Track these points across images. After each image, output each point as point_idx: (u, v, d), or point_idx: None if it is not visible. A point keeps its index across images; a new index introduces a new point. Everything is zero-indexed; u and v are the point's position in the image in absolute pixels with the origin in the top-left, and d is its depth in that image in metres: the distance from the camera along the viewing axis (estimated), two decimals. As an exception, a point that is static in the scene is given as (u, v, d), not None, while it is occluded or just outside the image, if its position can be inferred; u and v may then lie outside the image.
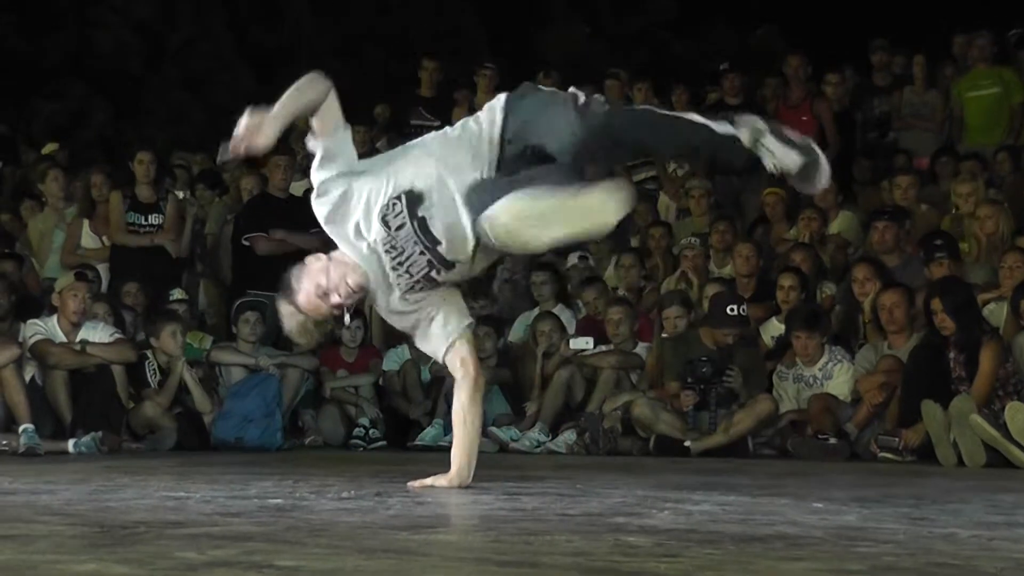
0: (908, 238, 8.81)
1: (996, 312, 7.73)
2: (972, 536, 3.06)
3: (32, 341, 7.84)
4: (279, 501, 3.87)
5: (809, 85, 11.02)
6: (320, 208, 4.27)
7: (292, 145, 10.95)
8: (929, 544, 2.92)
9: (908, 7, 14.54)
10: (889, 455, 7.12)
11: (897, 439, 7.15)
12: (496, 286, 9.85)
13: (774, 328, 8.42)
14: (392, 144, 11.45)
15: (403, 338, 8.94)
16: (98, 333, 8.01)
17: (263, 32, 17.73)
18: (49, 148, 11.16)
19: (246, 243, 9.49)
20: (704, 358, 7.90)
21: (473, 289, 9.60)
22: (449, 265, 4.26)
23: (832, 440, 7.44)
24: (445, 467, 4.59)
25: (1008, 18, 11.99)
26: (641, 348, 8.54)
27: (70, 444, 7.35)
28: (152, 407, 8.04)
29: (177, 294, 9.20)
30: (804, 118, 10.78)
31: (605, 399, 8.20)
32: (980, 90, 10.76)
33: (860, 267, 8.20)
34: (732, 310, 8.01)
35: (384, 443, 8.57)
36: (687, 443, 7.74)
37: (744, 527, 3.22)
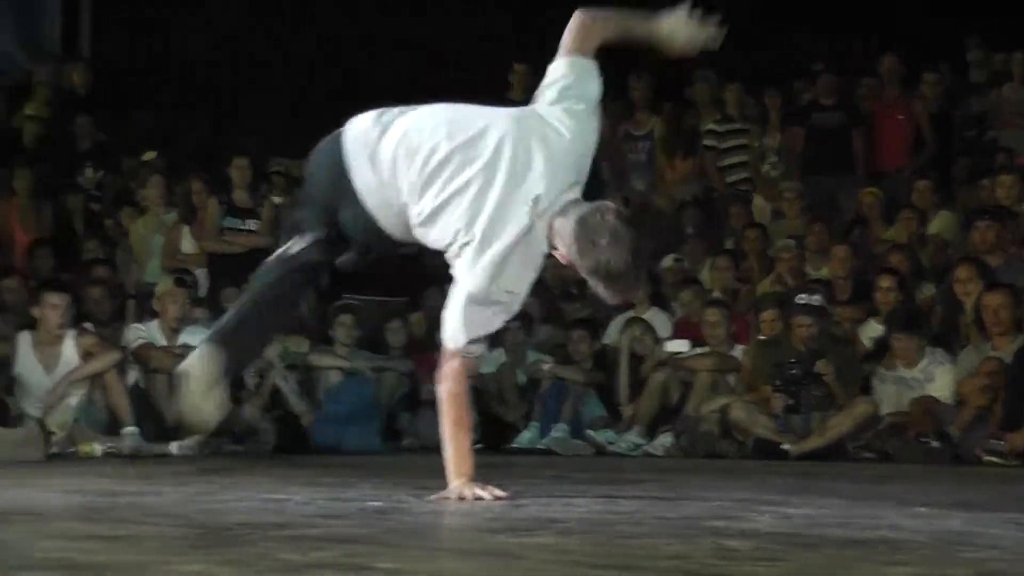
0: (1011, 238, 8.66)
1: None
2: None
3: (134, 345, 7.98)
4: (378, 504, 3.90)
5: (904, 85, 10.88)
6: None
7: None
8: (1037, 548, 2.87)
9: (1005, 3, 14.29)
10: (995, 459, 7.00)
11: (1003, 442, 7.03)
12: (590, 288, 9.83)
13: (872, 330, 8.32)
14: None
15: (498, 341, 8.98)
16: (198, 337, 8.10)
17: (347, 36, 17.86)
18: (148, 155, 11.33)
19: (341, 247, 9.57)
20: (792, 360, 7.85)
21: (567, 292, 9.63)
22: None
23: (934, 443, 7.33)
24: (541, 469, 4.59)
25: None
26: (737, 350, 8.48)
27: (173, 446, 7.47)
28: (251, 410, 8.14)
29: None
30: (900, 117, 10.66)
31: (702, 402, 8.16)
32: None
33: (963, 267, 8.07)
34: (802, 299, 7.97)
35: (481, 446, 8.58)
36: (785, 446, 7.68)
37: (845, 531, 3.19)
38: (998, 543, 2.98)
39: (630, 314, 9.07)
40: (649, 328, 8.78)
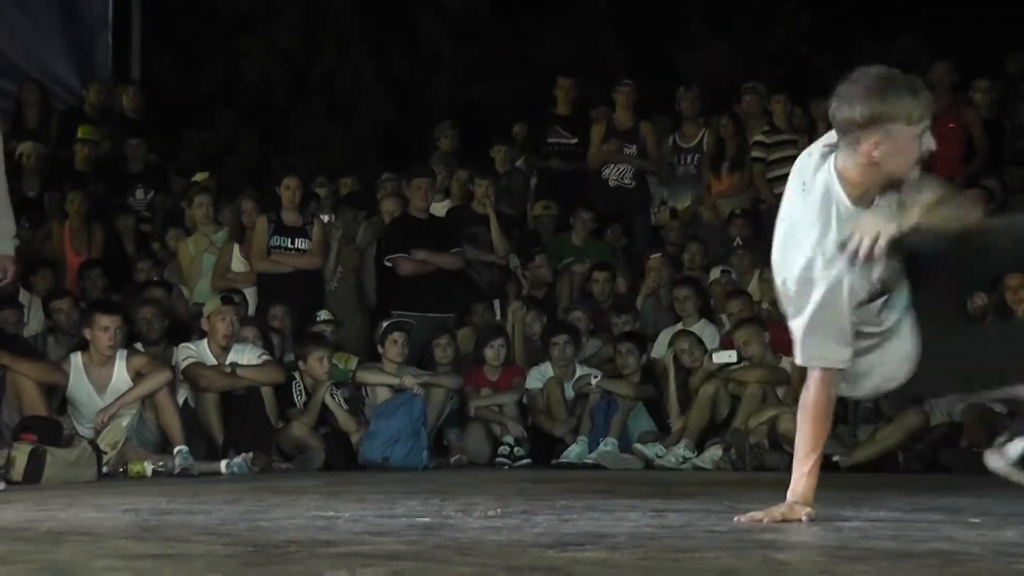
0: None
1: None
2: None
3: (184, 364, 8.04)
4: (427, 520, 3.90)
5: (955, 93, 10.80)
6: None
7: (433, 167, 11.08)
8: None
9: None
10: None
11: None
12: (639, 301, 9.82)
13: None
14: (530, 163, 11.54)
15: (546, 356, 8.98)
16: (247, 355, 8.18)
17: (401, 58, 17.97)
18: (200, 176, 11.42)
19: (389, 264, 9.61)
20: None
21: (618, 306, 9.61)
22: None
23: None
24: (589, 484, 4.57)
25: None
26: (786, 362, 8.42)
27: (223, 465, 7.50)
28: (300, 428, 8.17)
29: (323, 315, 9.34)
30: (951, 126, 10.57)
31: (751, 414, 8.12)
32: None
33: (1015, 275, 7.96)
34: None
35: (529, 461, 8.58)
36: (836, 458, 7.62)
37: (897, 543, 3.16)
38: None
39: (678, 327, 9.05)
40: (697, 341, 8.75)
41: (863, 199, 3.67)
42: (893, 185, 3.68)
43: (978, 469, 7.00)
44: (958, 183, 10.05)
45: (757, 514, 3.73)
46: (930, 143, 3.66)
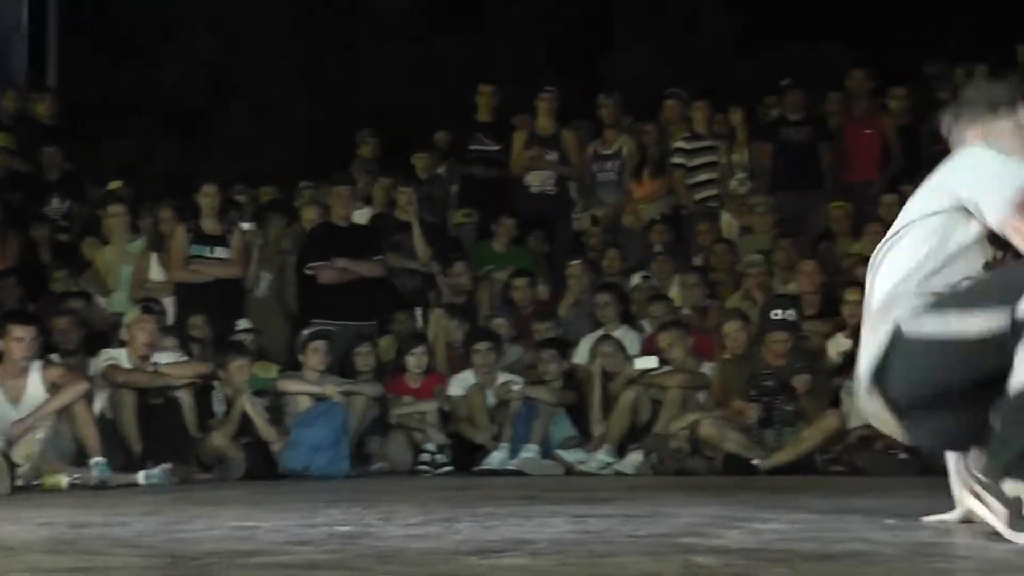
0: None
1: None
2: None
3: (103, 365, 7.93)
4: (348, 528, 3.88)
5: (873, 100, 10.95)
6: None
7: (353, 174, 11.04)
8: (1005, 559, 2.87)
9: (968, 20, 14.42)
10: (962, 470, 7.02)
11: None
12: (562, 309, 9.85)
13: (840, 344, 8.34)
14: (452, 170, 11.53)
15: (468, 363, 8.97)
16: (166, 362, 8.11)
17: (324, 64, 17.88)
18: (114, 185, 11.29)
19: (310, 272, 9.56)
20: (767, 372, 7.89)
21: (539, 312, 9.64)
22: None
23: (902, 455, 7.35)
24: (511, 490, 4.57)
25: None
26: (707, 367, 8.49)
27: (140, 476, 7.41)
28: (220, 437, 8.09)
29: (243, 324, 9.27)
30: (867, 132, 10.72)
31: (672, 419, 8.17)
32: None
33: None
34: (777, 315, 8.01)
35: (451, 468, 8.57)
36: (755, 461, 7.69)
37: (815, 545, 3.19)
38: (967, 554, 2.98)
39: (600, 333, 9.08)
40: (619, 346, 8.79)
41: None
42: None
43: (893, 470, 7.13)
44: (875, 188, 10.22)
45: None
46: None
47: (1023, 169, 3.58)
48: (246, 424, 8.29)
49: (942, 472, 6.29)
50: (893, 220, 4.04)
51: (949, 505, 3.76)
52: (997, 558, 2.90)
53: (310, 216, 10.29)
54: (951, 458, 3.76)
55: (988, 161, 3.67)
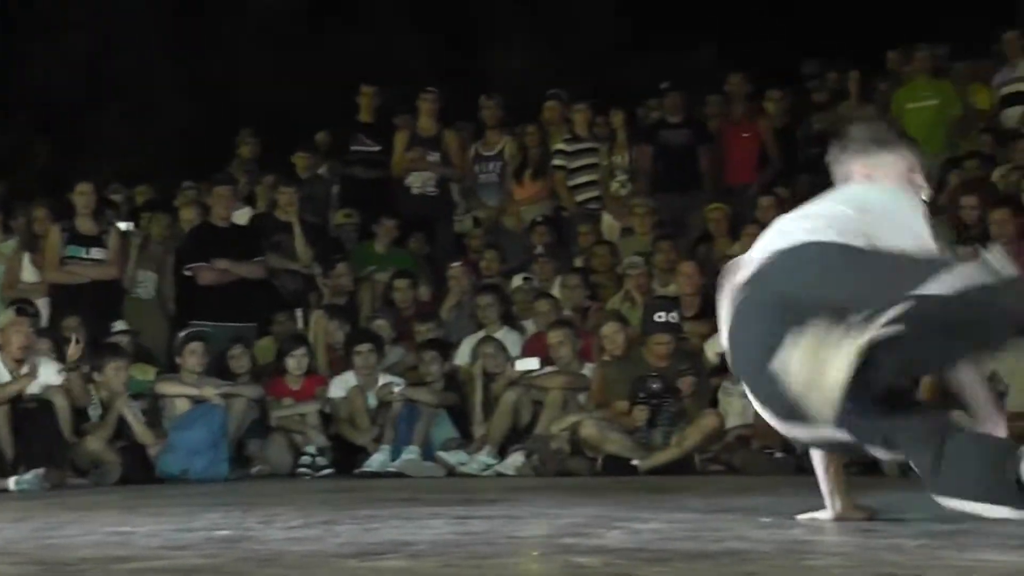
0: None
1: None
2: (919, 546, 3.08)
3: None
4: (227, 532, 3.83)
5: (750, 103, 11.11)
6: None
7: (233, 173, 10.91)
8: (876, 555, 2.93)
9: (841, 25, 14.72)
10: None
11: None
12: (444, 310, 9.84)
13: (718, 344, 8.44)
14: (333, 171, 11.46)
15: (348, 364, 8.93)
16: (44, 371, 7.93)
17: (201, 62, 17.66)
18: (-17, 182, 11.06)
19: (188, 273, 9.44)
20: (653, 373, 7.96)
21: (420, 313, 9.62)
22: None
23: (778, 454, 7.47)
24: (392, 492, 4.56)
25: (938, 34, 12.17)
26: (588, 369, 8.54)
27: (11, 482, 7.26)
28: (95, 441, 7.95)
29: (120, 326, 9.12)
30: (745, 135, 10.88)
31: (553, 420, 8.20)
32: (920, 102, 10.90)
33: None
34: (660, 317, 8.09)
35: (332, 470, 8.52)
36: (635, 462, 7.75)
37: (693, 544, 3.22)
38: (840, 549, 3.04)
39: (481, 334, 9.09)
40: (501, 347, 8.81)
41: None
42: None
43: (770, 469, 7.24)
44: (752, 191, 10.38)
45: None
46: None
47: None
48: (122, 427, 8.15)
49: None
50: (770, 222, 4.09)
51: (823, 503, 3.83)
52: (868, 555, 2.95)
53: (189, 216, 10.16)
54: (817, 459, 3.84)
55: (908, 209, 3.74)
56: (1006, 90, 10.92)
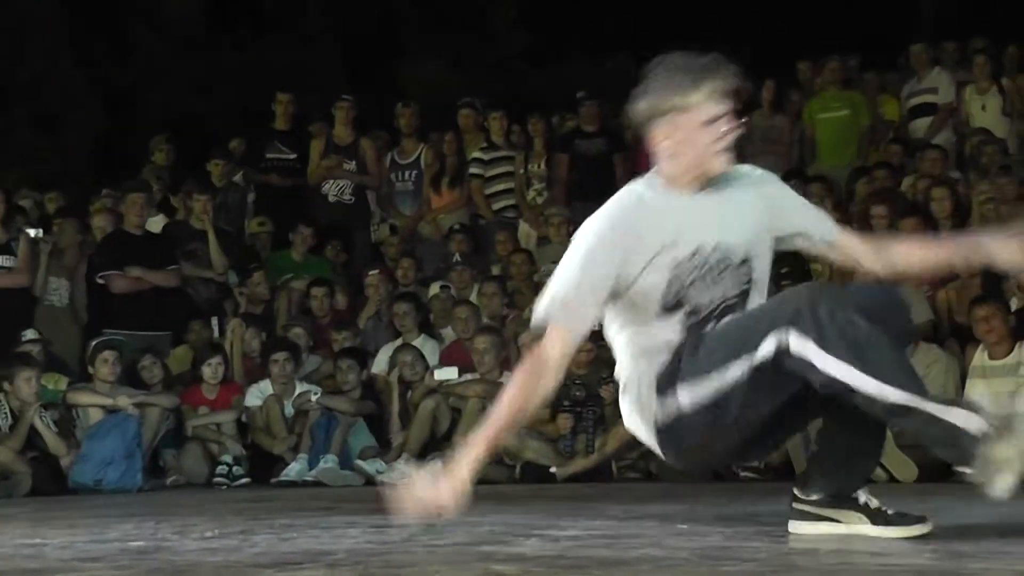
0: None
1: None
2: (831, 551, 3.12)
3: None
4: (141, 543, 3.79)
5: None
6: None
7: (146, 180, 10.80)
8: (790, 560, 2.97)
9: (754, 35, 14.92)
10: (751, 474, 7.23)
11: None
12: (361, 319, 9.80)
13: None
14: (249, 179, 11.38)
15: (265, 373, 8.87)
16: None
17: (114, 68, 17.48)
18: None
19: (101, 281, 9.32)
20: (577, 381, 7.99)
21: (337, 322, 9.58)
22: None
23: (695, 461, 7.53)
24: (310, 501, 4.53)
25: (849, 45, 12.38)
26: (507, 377, 8.54)
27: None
28: (5, 452, 7.82)
29: (30, 334, 8.98)
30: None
31: (471, 428, 8.19)
32: (831, 112, 11.07)
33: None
34: None
35: (248, 480, 8.46)
36: (553, 469, 7.78)
37: (611, 551, 3.24)
38: (756, 556, 3.07)
39: (398, 342, 9.08)
40: (419, 355, 8.80)
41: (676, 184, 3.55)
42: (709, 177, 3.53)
43: (687, 477, 7.28)
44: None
45: None
46: (733, 128, 3.49)
47: None
48: (33, 438, 8.03)
49: (732, 478, 6.48)
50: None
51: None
52: (782, 560, 2.99)
53: (101, 223, 10.03)
54: None
55: None
56: (914, 101, 11.13)
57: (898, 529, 3.39)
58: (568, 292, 3.52)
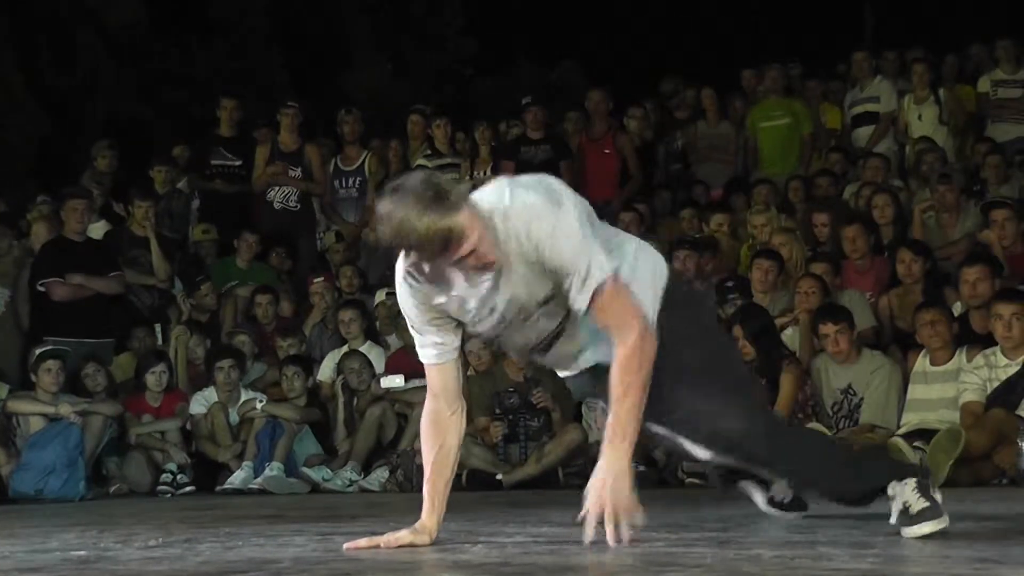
0: (712, 267, 9.03)
1: (793, 337, 7.97)
2: (775, 556, 3.15)
3: None
4: (83, 553, 3.76)
5: (611, 119, 11.23)
6: None
7: (87, 186, 10.70)
8: (735, 566, 2.99)
9: (697, 44, 15.02)
10: (696, 480, 7.26)
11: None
12: (307, 326, 9.76)
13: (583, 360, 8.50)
14: (193, 185, 11.30)
15: (210, 380, 8.81)
16: None
17: (57, 73, 17.32)
18: None
19: (42, 288, 9.23)
20: (511, 389, 8.00)
21: (282, 329, 9.53)
22: None
23: (641, 467, 7.54)
24: (255, 509, 4.51)
25: (789, 53, 12.49)
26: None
27: None
28: (-55, 461, 7.75)
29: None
30: (607, 151, 11.00)
31: (417, 436, 8.18)
32: (773, 120, 11.16)
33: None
34: None
35: (192, 488, 8.41)
36: (499, 476, 7.78)
37: (556, 558, 3.25)
38: (701, 561, 3.09)
39: (344, 349, 9.05)
40: (365, 362, 8.77)
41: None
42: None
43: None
44: (613, 206, 10.49)
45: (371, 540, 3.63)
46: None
47: None
48: (-29, 447, 7.94)
49: (677, 485, 6.51)
50: (631, 238, 4.10)
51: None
52: (727, 566, 3.01)
53: (42, 230, 9.93)
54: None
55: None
56: (856, 110, 11.24)
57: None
58: None
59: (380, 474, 8.12)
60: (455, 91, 18.80)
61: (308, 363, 8.99)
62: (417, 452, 8.04)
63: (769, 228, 9.33)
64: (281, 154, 10.87)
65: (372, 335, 9.27)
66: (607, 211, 10.56)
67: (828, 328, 7.51)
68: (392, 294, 9.78)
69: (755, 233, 9.44)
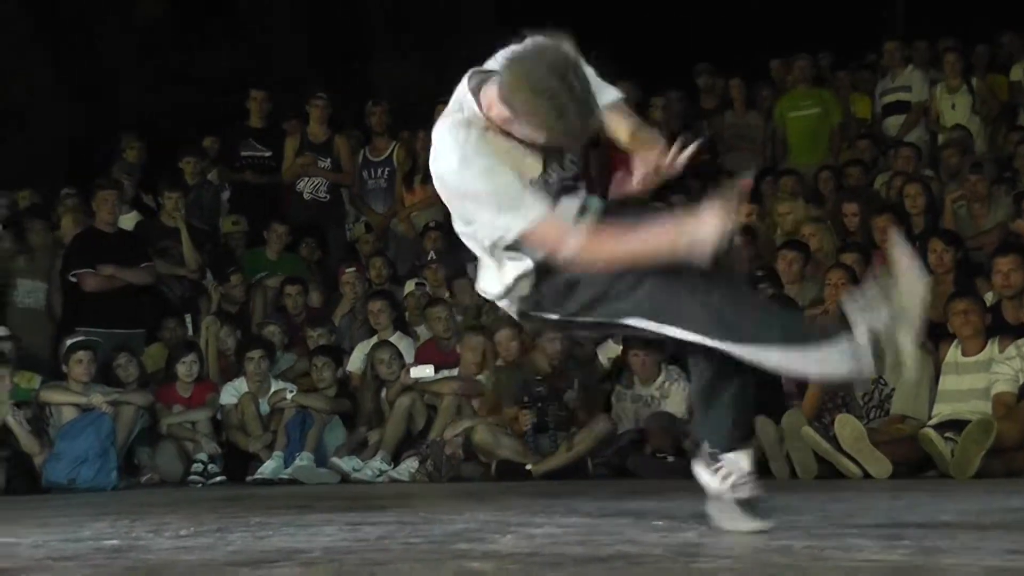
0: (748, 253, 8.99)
1: (823, 327, 7.92)
2: (806, 547, 3.14)
3: None
4: (115, 542, 3.78)
5: (637, 110, 11.17)
6: None
7: (117, 177, 10.75)
8: (766, 557, 2.98)
9: (726, 33, 14.95)
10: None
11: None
12: (336, 316, 9.79)
13: (611, 350, 8.52)
14: (223, 176, 11.34)
15: (240, 371, 8.85)
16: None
17: (84, 67, 17.38)
18: None
19: (73, 279, 9.28)
20: (539, 377, 8.00)
21: (312, 319, 9.56)
22: None
23: (670, 458, 7.54)
24: (285, 499, 4.52)
25: (820, 43, 12.42)
26: (482, 376, 8.55)
27: None
28: (-23, 450, 7.80)
29: (2, 332, 8.94)
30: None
31: (446, 426, 8.21)
32: (801, 110, 11.11)
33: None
34: None
35: (223, 478, 8.44)
36: (528, 466, 7.79)
37: (585, 548, 3.25)
38: (730, 552, 3.09)
39: (374, 340, 9.07)
40: (395, 353, 8.78)
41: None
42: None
43: (662, 473, 7.31)
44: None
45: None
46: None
47: None
48: (6, 436, 7.99)
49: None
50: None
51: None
52: (757, 557, 3.00)
53: (72, 222, 9.99)
54: None
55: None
56: (887, 99, 11.17)
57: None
58: None
59: (409, 464, 8.14)
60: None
61: (338, 353, 9.02)
62: (446, 442, 8.07)
63: (793, 217, 9.29)
64: (310, 145, 10.90)
65: (401, 325, 9.29)
66: (633, 203, 10.54)
67: (961, 305, 7.36)
68: (421, 284, 9.89)
69: (780, 222, 9.40)
